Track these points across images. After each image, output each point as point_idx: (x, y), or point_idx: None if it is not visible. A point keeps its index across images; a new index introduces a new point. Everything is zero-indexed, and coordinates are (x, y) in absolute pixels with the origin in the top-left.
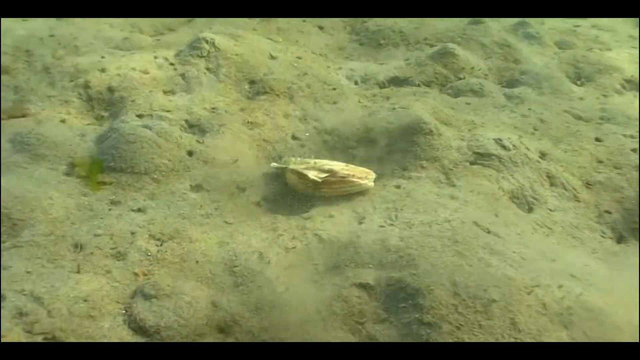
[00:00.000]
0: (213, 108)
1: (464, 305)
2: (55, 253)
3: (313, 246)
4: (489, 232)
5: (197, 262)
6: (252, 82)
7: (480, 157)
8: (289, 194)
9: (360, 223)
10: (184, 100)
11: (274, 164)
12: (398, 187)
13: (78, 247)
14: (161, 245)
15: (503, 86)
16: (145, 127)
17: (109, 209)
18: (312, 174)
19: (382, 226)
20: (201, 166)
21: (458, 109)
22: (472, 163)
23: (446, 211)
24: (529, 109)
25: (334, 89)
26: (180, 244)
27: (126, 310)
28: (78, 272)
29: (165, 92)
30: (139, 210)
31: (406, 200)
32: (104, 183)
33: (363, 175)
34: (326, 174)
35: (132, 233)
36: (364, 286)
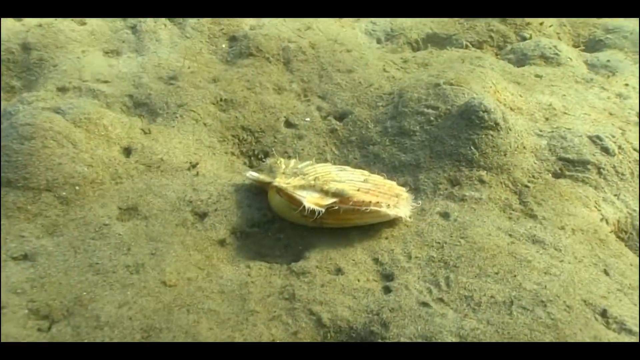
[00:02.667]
0: (171, 78)
1: None
2: None
3: (306, 335)
4: (607, 318)
5: None
6: (232, 39)
7: (571, 166)
8: (274, 223)
9: (387, 290)
10: (132, 65)
11: (251, 174)
12: (446, 216)
13: None
14: (49, 329)
15: (582, 50)
16: (57, 111)
17: None
18: (311, 200)
19: (424, 304)
20: (141, 174)
21: (525, 84)
22: (556, 175)
23: (532, 274)
24: (626, 84)
25: (349, 50)
26: (79, 329)
27: None
28: None
29: (106, 53)
30: (25, 257)
31: (461, 246)
32: None
33: (392, 200)
34: (333, 200)
35: (1, 307)
36: None
